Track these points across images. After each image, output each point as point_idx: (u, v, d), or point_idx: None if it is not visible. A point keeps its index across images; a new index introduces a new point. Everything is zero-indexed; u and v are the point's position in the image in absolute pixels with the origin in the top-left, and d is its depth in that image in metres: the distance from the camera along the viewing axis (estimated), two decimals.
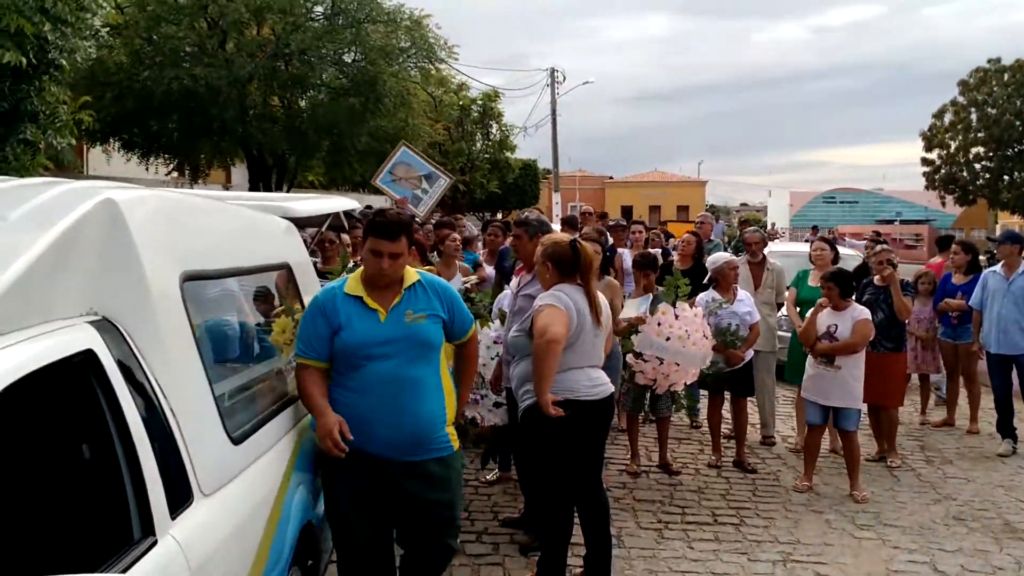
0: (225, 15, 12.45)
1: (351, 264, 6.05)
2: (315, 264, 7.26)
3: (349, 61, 13.33)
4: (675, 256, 9.39)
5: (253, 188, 14.12)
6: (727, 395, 7.15)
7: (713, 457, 6.99)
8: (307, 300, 3.95)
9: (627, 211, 62.90)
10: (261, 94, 12.65)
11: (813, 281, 7.72)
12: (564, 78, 34.82)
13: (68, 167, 8.78)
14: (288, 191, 15.09)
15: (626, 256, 9.63)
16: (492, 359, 5.36)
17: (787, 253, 11.71)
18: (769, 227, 29.83)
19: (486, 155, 24.64)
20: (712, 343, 6.29)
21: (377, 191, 8.89)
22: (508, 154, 26.49)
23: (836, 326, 6.42)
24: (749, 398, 7.31)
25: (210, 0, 12.45)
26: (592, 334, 4.29)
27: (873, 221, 37.90)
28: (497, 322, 5.57)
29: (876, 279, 7.48)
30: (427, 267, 6.31)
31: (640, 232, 9.55)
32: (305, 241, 6.69)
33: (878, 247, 8.27)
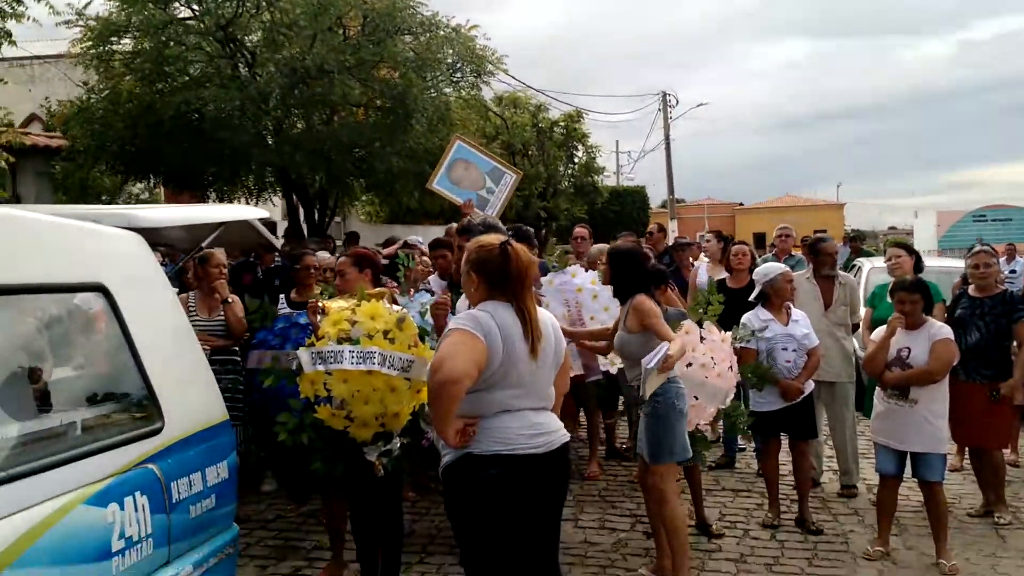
0: (239, 35, 11.76)
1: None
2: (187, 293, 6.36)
3: (377, 76, 12.32)
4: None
5: (292, 223, 13.32)
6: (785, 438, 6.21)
7: (769, 515, 5.95)
8: (141, 329, 3.59)
9: (759, 238, 61.65)
10: (277, 116, 11.79)
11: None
12: (677, 102, 33.49)
13: None
14: (328, 226, 14.28)
15: (702, 271, 8.53)
16: None
17: (943, 270, 10.11)
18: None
19: (570, 179, 23.44)
20: (738, 377, 5.53)
21: (436, 218, 7.50)
22: (596, 178, 25.11)
23: (908, 350, 5.23)
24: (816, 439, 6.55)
25: (226, 20, 11.73)
26: (531, 366, 3.39)
27: None
28: None
29: (971, 288, 6.24)
30: (378, 289, 5.23)
31: (744, 255, 7.93)
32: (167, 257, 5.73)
33: (976, 247, 6.62)
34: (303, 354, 4.80)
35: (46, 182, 13.84)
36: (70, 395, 3.50)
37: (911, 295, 5.28)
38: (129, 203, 15.99)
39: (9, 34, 6.74)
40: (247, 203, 13.92)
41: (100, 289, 3.49)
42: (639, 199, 33.69)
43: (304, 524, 6.18)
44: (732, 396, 5.47)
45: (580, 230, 8.56)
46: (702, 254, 13.11)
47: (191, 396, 3.91)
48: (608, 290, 5.88)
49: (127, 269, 3.74)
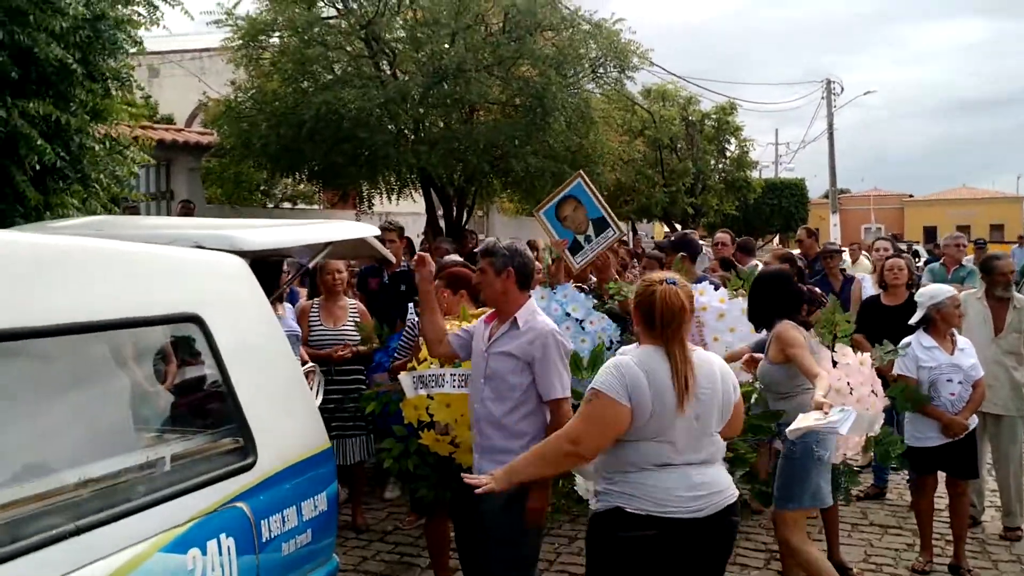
0: (381, 33, 11.80)
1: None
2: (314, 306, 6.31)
3: (516, 74, 12.13)
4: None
5: (431, 220, 13.33)
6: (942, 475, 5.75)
7: (920, 558, 5.52)
8: (237, 361, 3.47)
9: (931, 232, 58.37)
10: (416, 116, 11.78)
11: None
12: (842, 90, 31.92)
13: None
14: (468, 221, 14.23)
15: (867, 284, 7.92)
16: None
17: None
18: None
19: (721, 174, 22.61)
20: (884, 401, 4.97)
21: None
22: (748, 172, 24.13)
23: None
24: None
25: (368, 19, 11.79)
26: (687, 418, 3.17)
27: None
28: None
29: None
30: (480, 308, 5.05)
31: (900, 270, 7.31)
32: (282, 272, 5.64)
33: None
34: (404, 379, 4.67)
35: (197, 177, 14.41)
36: (159, 431, 3.44)
37: None
38: (285, 195, 16.51)
39: (140, 42, 6.89)
40: (388, 200, 14.07)
41: (195, 320, 3.40)
42: (797, 192, 32.31)
43: (421, 538, 6.07)
44: (881, 422, 5.00)
45: (722, 235, 8.11)
46: (864, 258, 12.27)
47: (288, 427, 3.79)
48: (736, 309, 5.65)
49: (223, 297, 3.64)
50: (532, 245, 13.84)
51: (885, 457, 5.78)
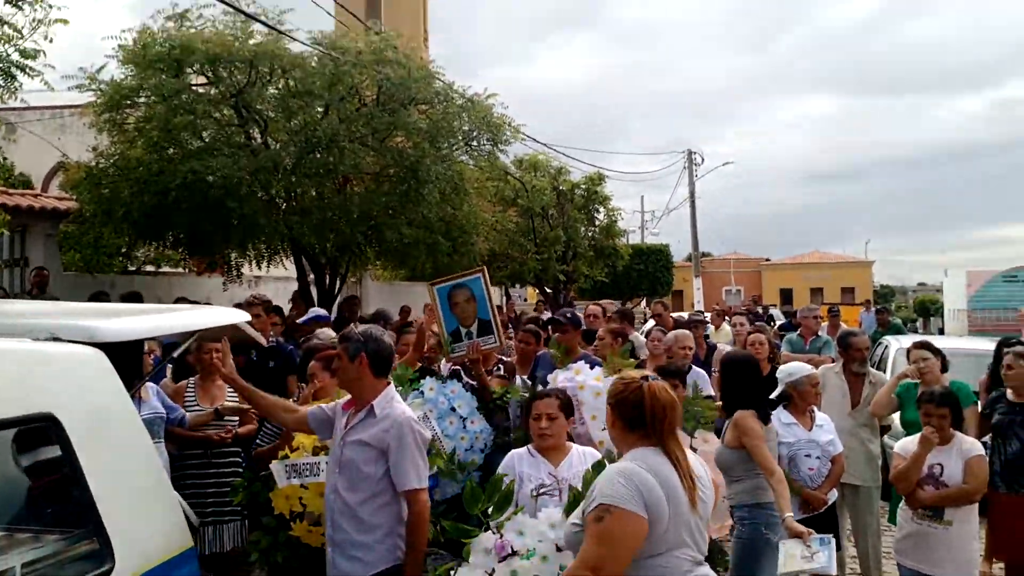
0: (252, 103, 11.66)
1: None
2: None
3: (390, 145, 12.18)
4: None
5: (302, 287, 13.11)
6: None
7: None
8: (93, 460, 3.30)
9: (786, 294, 61.13)
10: (288, 185, 11.65)
11: None
12: (703, 160, 33.31)
13: None
14: (340, 289, 14.07)
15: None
16: None
17: (970, 353, 9.54)
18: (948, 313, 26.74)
19: (591, 242, 23.20)
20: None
21: None
22: (616, 240, 24.85)
23: (941, 467, 4.93)
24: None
25: (239, 88, 11.67)
26: (694, 517, 3.08)
27: None
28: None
29: (1009, 392, 5.70)
30: None
31: (762, 344, 7.61)
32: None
33: (1011, 348, 6.12)
34: (276, 467, 4.55)
35: (54, 243, 13.77)
36: (10, 537, 3.23)
37: (939, 409, 4.99)
38: (145, 261, 15.90)
39: None
40: (258, 267, 13.77)
41: (48, 419, 3.23)
42: (662, 257, 33.36)
43: None
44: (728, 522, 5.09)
45: (594, 308, 8.21)
46: (726, 325, 12.74)
47: (148, 528, 3.62)
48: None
49: (80, 392, 3.46)
50: (404, 311, 13.82)
51: None
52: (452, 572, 3.78)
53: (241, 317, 4.77)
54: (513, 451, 4.45)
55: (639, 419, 3.09)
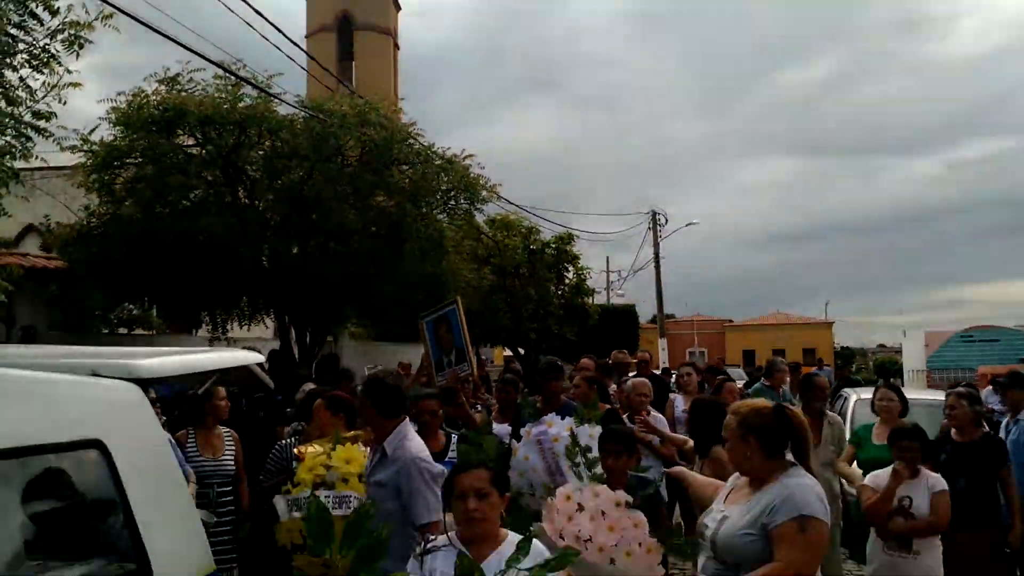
0: (240, 163, 12.04)
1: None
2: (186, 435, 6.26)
3: (373, 203, 12.60)
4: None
5: (284, 343, 13.35)
6: None
7: None
8: (136, 486, 3.56)
9: (749, 355, 61.70)
10: (274, 243, 11.99)
11: (879, 438, 6.50)
12: (667, 220, 34.08)
13: None
14: (320, 347, 14.32)
15: (678, 403, 8.54)
16: None
17: (930, 403, 10.05)
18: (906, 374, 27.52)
19: (560, 300, 23.64)
20: (656, 553, 3.99)
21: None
22: (586, 299, 25.33)
23: (910, 499, 5.21)
24: None
25: (228, 148, 12.05)
26: None
27: (1017, 360, 34.86)
28: None
29: (954, 432, 6.21)
30: (353, 432, 5.24)
31: (690, 375, 8.18)
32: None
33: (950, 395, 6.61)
34: (279, 501, 4.78)
35: (41, 303, 13.90)
36: (61, 557, 3.50)
37: (911, 443, 5.30)
38: (123, 320, 16.04)
39: (16, 175, 6.94)
40: (240, 325, 14.00)
41: (97, 445, 3.54)
42: (628, 318, 33.88)
43: None
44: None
45: (586, 361, 8.40)
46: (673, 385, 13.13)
47: (182, 551, 3.90)
48: (584, 436, 5.26)
49: (124, 423, 3.78)
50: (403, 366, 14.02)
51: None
52: None
53: (257, 359, 5.14)
54: (437, 540, 3.44)
55: (782, 441, 3.41)
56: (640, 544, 3.88)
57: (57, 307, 13.83)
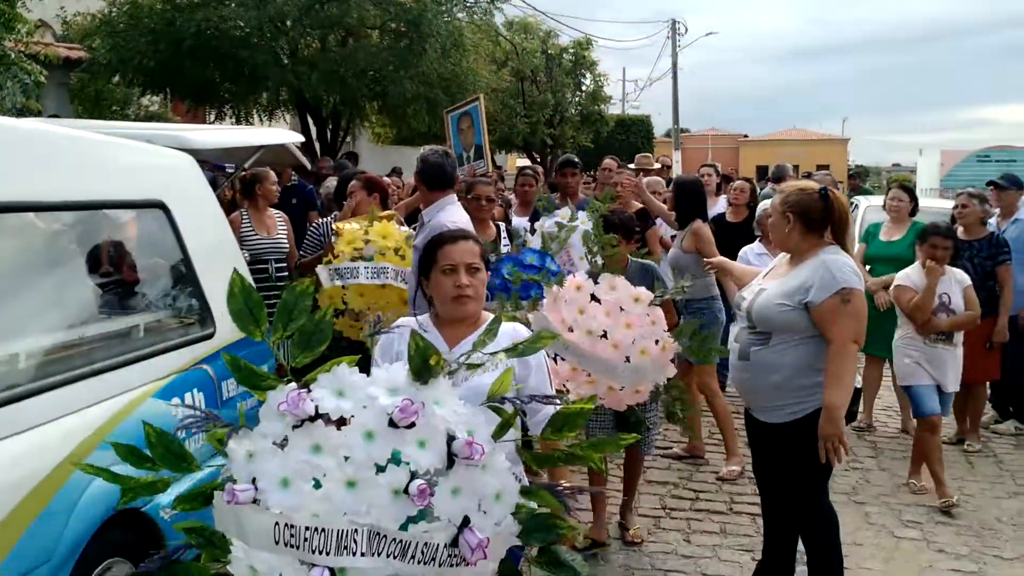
0: None
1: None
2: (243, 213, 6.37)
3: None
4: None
5: (307, 143, 13.47)
6: None
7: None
8: (196, 244, 3.95)
9: (762, 171, 61.25)
10: (293, 36, 11.92)
11: (886, 235, 6.75)
12: (686, 30, 33.20)
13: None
14: (341, 145, 14.46)
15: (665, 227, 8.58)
16: None
17: (940, 211, 10.33)
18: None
19: (577, 107, 23.46)
20: (670, 351, 3.95)
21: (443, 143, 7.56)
22: (602, 106, 25.10)
23: (948, 296, 5.47)
24: None
25: None
26: None
27: None
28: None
29: (960, 230, 6.42)
30: (387, 211, 5.56)
31: (743, 191, 8.02)
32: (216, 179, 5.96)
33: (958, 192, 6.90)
34: (321, 271, 5.16)
35: (64, 93, 13.94)
36: (135, 302, 3.88)
37: (945, 240, 5.46)
38: (139, 115, 16.13)
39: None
40: (260, 121, 14.09)
41: (160, 206, 3.85)
42: (643, 129, 33.62)
43: None
44: (667, 375, 4.03)
45: (609, 161, 8.49)
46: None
47: None
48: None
49: (183, 187, 4.12)
50: (396, 171, 14.24)
51: (670, 416, 4.54)
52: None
53: (297, 138, 5.37)
54: (401, 321, 2.99)
55: (822, 223, 3.54)
56: (657, 341, 3.84)
57: (76, 100, 13.90)
